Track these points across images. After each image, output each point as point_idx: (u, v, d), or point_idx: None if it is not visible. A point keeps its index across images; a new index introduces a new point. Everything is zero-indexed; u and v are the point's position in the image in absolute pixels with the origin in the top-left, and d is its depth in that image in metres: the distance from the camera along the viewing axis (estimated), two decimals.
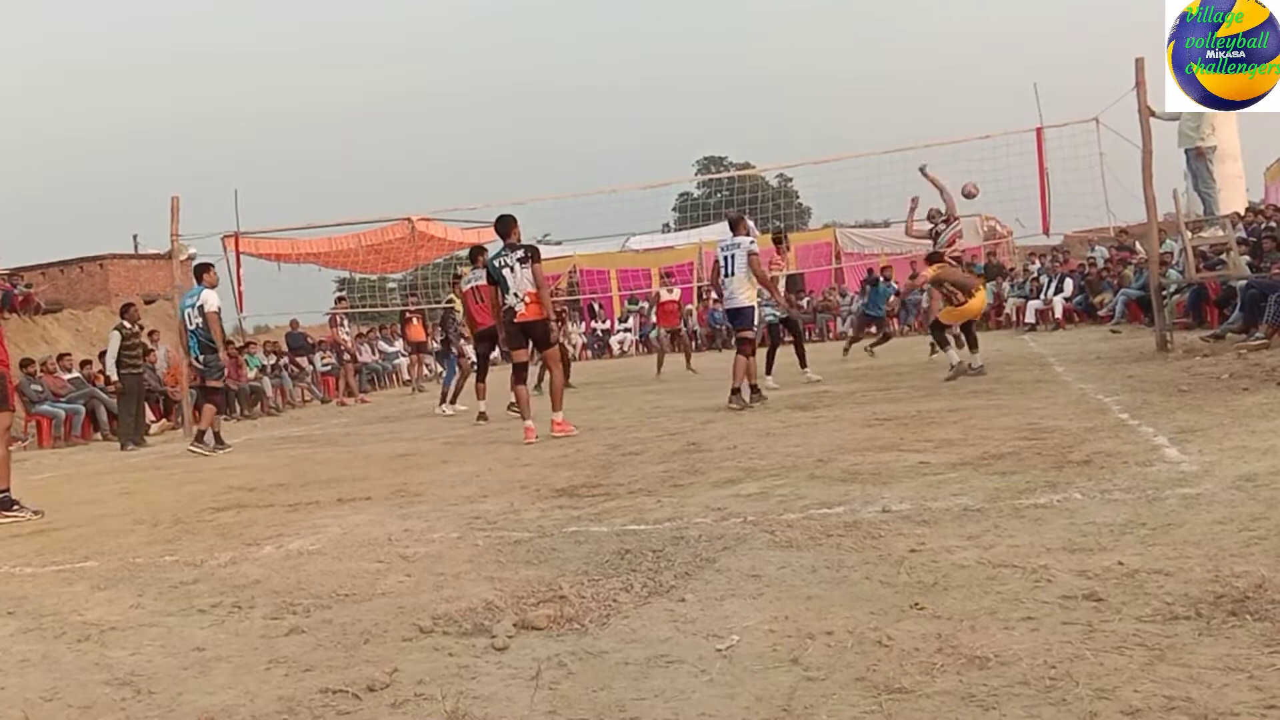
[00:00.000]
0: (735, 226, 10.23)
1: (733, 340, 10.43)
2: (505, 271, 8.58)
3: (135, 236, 30.50)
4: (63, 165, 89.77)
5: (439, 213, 19.37)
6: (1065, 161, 12.89)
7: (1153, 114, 11.07)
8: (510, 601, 3.42)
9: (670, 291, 16.96)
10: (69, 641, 3.48)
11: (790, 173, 37.70)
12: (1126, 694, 2.22)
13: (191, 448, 10.63)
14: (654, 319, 18.71)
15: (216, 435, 10.83)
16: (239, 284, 16.16)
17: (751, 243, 9.90)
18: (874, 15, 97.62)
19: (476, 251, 11.62)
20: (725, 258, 9.88)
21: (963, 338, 11.09)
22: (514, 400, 9.54)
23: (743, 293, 9.76)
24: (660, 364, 16.09)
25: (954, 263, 11.81)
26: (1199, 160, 11.32)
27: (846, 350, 15.75)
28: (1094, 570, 3.15)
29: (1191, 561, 3.14)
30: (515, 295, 8.54)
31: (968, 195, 12.62)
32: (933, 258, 11.34)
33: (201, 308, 10.69)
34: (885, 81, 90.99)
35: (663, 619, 3.09)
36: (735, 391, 9.43)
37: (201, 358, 10.78)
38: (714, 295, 13.64)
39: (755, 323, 10.01)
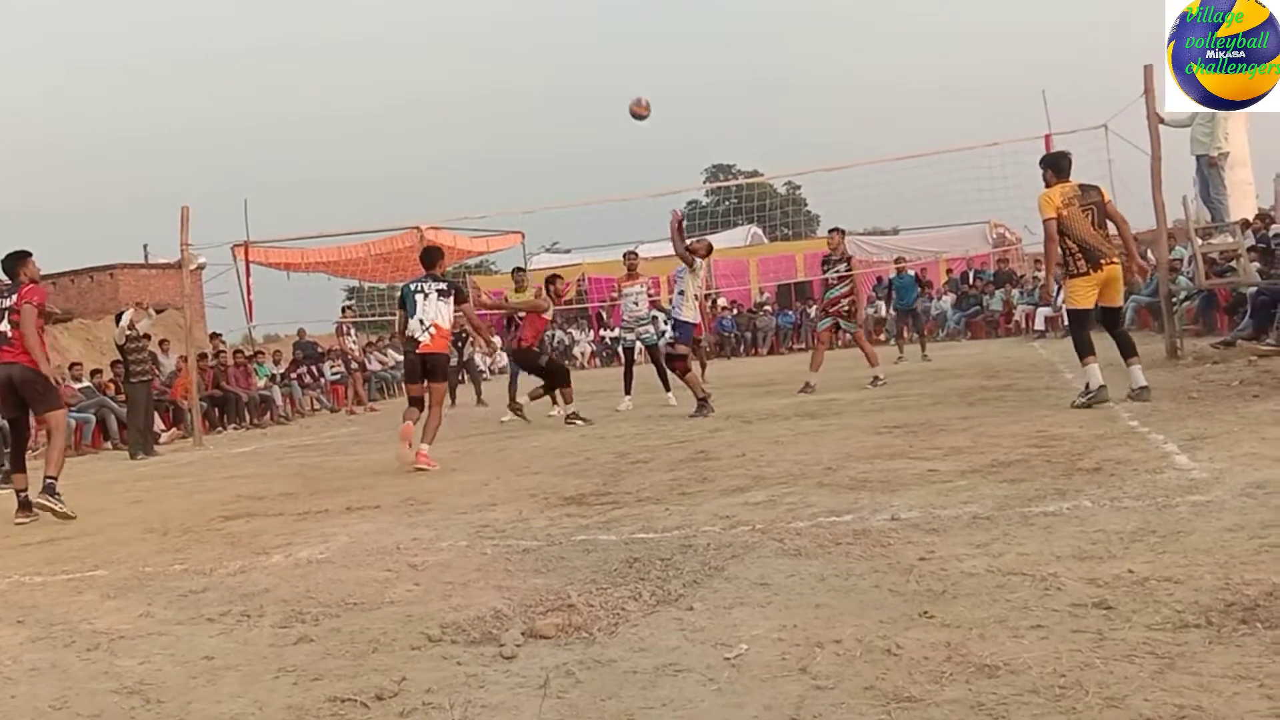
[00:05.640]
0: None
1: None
2: (418, 297, 8.25)
3: (145, 246, 30.70)
4: (73, 174, 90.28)
5: (448, 221, 19.39)
6: (1074, 168, 12.83)
7: (1162, 121, 11.03)
8: (518, 610, 3.42)
9: None
10: (78, 650, 3.49)
11: (799, 180, 37.76)
12: (1136, 702, 2.21)
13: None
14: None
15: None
16: (249, 293, 16.25)
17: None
18: (881, 22, 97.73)
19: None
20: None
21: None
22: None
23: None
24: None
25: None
26: (1211, 168, 11.27)
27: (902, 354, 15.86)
28: (1104, 578, 3.14)
29: (1202, 569, 3.13)
30: (421, 324, 8.17)
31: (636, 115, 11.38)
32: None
33: None
34: (893, 88, 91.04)
35: (671, 628, 3.08)
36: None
37: None
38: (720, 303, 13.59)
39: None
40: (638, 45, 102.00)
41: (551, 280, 11.70)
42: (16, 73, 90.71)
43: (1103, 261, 7.59)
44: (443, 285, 8.38)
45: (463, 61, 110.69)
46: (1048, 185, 7.90)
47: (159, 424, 14.73)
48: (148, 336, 13.89)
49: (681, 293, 10.52)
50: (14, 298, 7.14)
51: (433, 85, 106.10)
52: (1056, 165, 8.01)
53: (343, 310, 20.92)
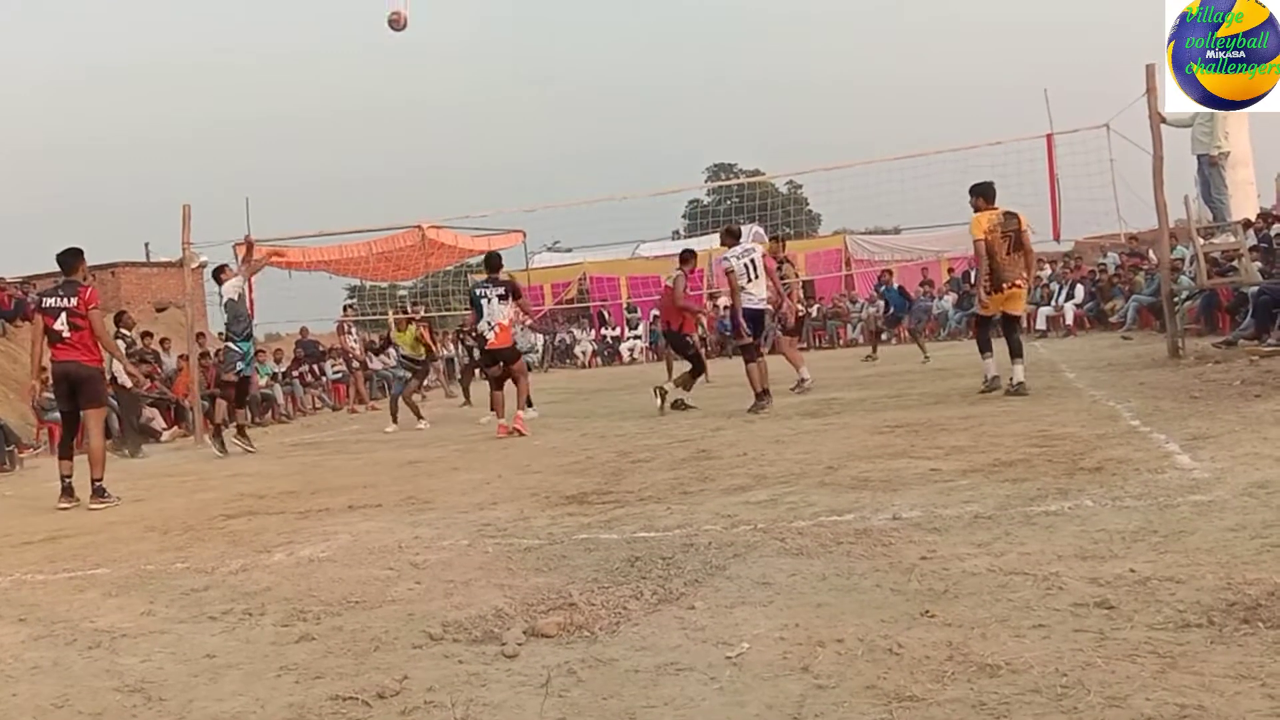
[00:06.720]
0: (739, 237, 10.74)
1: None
2: (483, 301, 9.77)
3: (146, 244, 30.64)
4: (73, 171, 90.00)
5: (449, 220, 19.36)
6: (1076, 168, 12.88)
7: (1163, 121, 11.03)
8: (520, 609, 3.42)
9: None
10: (80, 648, 3.50)
11: (800, 179, 37.64)
12: (1138, 702, 2.21)
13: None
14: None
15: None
16: (250, 291, 16.20)
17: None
18: (883, 21, 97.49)
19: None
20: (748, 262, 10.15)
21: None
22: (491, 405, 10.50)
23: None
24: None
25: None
26: (1213, 167, 11.25)
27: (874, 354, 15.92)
28: (1106, 578, 3.14)
29: (1204, 569, 3.13)
30: (488, 324, 9.74)
31: (394, 25, 11.32)
32: None
33: None
34: (894, 88, 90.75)
35: (673, 626, 3.09)
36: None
37: None
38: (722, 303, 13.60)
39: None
40: (637, 45, 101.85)
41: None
42: (17, 73, 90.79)
43: (1005, 285, 8.86)
44: (501, 290, 9.79)
45: (462, 62, 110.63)
46: (976, 210, 9.00)
47: (160, 422, 14.73)
48: (150, 334, 13.92)
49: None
50: (75, 301, 7.57)
51: (433, 85, 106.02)
52: (986, 193, 9.06)
53: (344, 309, 20.92)
